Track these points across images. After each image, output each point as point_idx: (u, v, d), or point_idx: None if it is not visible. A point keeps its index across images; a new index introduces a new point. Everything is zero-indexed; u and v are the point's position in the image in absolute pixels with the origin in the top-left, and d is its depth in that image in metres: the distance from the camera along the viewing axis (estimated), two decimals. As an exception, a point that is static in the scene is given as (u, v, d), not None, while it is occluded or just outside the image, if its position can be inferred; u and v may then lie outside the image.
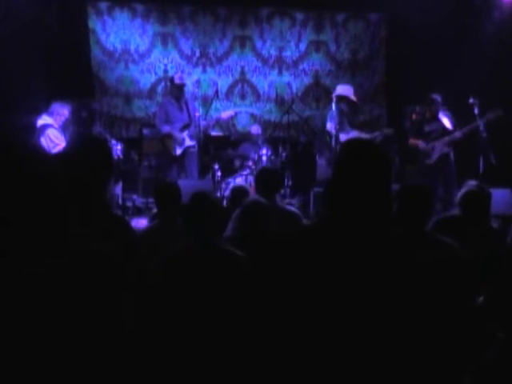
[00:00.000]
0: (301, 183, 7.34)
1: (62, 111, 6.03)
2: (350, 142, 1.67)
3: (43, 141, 5.71)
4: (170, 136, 6.52)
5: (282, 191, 6.89)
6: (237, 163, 7.01)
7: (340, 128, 6.35)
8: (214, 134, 7.91)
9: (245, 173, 6.64)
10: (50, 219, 1.25)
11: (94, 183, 1.99)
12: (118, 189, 6.87)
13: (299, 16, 8.54)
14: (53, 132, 5.84)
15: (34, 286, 1.19)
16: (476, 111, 5.96)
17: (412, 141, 6.44)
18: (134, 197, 7.36)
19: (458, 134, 6.18)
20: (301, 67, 8.63)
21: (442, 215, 3.89)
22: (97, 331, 1.25)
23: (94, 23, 8.09)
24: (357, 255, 1.46)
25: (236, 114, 8.20)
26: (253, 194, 4.22)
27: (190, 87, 7.57)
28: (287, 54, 8.58)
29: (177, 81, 6.58)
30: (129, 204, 7.14)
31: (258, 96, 8.61)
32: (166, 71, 8.30)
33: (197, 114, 6.61)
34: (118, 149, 6.45)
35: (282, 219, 3.66)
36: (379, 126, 8.23)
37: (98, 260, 1.29)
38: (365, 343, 1.41)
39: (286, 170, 7.05)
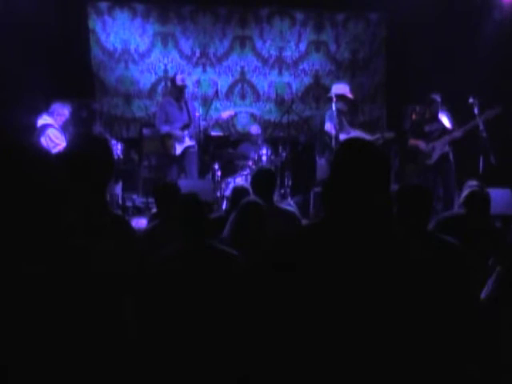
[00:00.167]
0: (301, 183, 7.34)
1: (63, 111, 6.04)
2: (347, 142, 1.67)
3: (43, 141, 5.72)
4: (169, 135, 6.52)
5: (282, 191, 6.90)
6: (237, 163, 7.01)
7: (339, 128, 6.34)
8: (213, 133, 7.91)
9: (245, 173, 6.64)
10: (50, 219, 1.25)
11: (95, 183, 1.99)
12: (118, 189, 6.88)
13: (299, 16, 8.54)
14: (53, 132, 5.85)
15: (33, 286, 1.19)
16: (476, 111, 5.96)
17: (412, 141, 6.44)
18: (134, 197, 7.36)
19: (457, 133, 6.18)
20: (301, 67, 8.63)
21: (445, 214, 3.90)
22: (97, 331, 1.25)
23: (94, 23, 8.09)
24: (356, 255, 1.46)
25: (236, 113, 8.20)
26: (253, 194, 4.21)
27: (190, 87, 7.56)
28: (287, 54, 8.58)
29: (178, 82, 6.57)
30: (129, 204, 7.14)
31: (257, 96, 8.61)
32: (166, 71, 8.30)
33: (197, 114, 6.61)
34: (118, 149, 6.46)
35: (279, 219, 3.66)
36: (379, 127, 8.24)
37: (98, 260, 1.30)
38: (365, 344, 1.41)
39: (285, 169, 7.06)
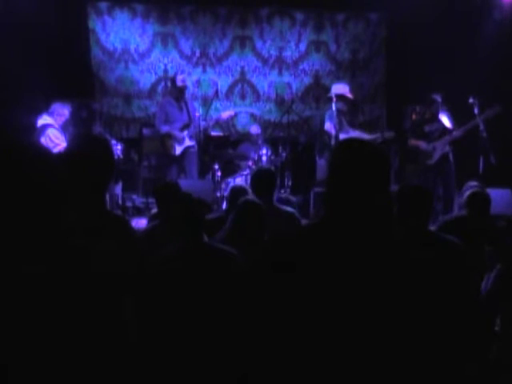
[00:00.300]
0: (301, 183, 7.34)
1: (63, 111, 6.04)
2: (346, 142, 1.67)
3: (43, 141, 5.72)
4: (169, 135, 6.52)
5: (282, 191, 6.89)
6: (237, 163, 7.01)
7: (339, 128, 6.34)
8: (213, 133, 7.91)
9: (245, 173, 6.63)
10: (50, 219, 1.25)
11: (95, 183, 1.99)
12: (118, 189, 6.88)
13: (299, 16, 8.53)
14: (53, 132, 5.85)
15: (33, 286, 1.19)
16: (476, 111, 5.96)
17: (413, 142, 6.44)
18: (134, 197, 7.36)
19: (458, 133, 6.18)
20: (301, 67, 8.63)
21: (446, 217, 3.91)
22: (97, 331, 1.25)
23: (93, 23, 8.09)
24: (356, 255, 1.46)
25: (236, 113, 8.19)
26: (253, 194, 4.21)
27: (190, 87, 7.56)
28: (287, 53, 8.57)
29: (179, 83, 6.57)
30: (129, 204, 7.14)
31: (257, 96, 8.61)
32: (166, 71, 8.30)
33: (197, 114, 6.61)
34: (118, 149, 6.45)
35: (279, 220, 3.65)
36: (379, 127, 8.23)
37: (98, 260, 1.29)
38: (364, 343, 1.41)
39: (285, 170, 7.05)
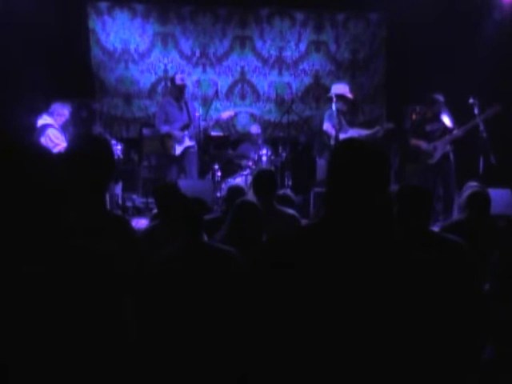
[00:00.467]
0: (301, 183, 7.34)
1: (63, 111, 6.04)
2: (345, 142, 1.67)
3: (43, 141, 5.72)
4: (169, 135, 6.52)
5: (282, 191, 6.88)
6: (237, 163, 7.01)
7: (339, 128, 6.34)
8: (213, 133, 7.91)
9: (245, 173, 6.63)
10: (50, 219, 1.25)
11: (95, 183, 1.99)
12: (118, 189, 6.88)
13: (299, 16, 8.54)
14: (53, 132, 5.85)
15: (33, 286, 1.19)
16: (476, 111, 5.96)
17: (414, 141, 6.44)
18: (134, 197, 7.36)
19: (459, 132, 6.18)
20: (301, 67, 8.63)
21: (446, 223, 3.91)
22: (97, 331, 1.25)
23: (93, 23, 8.09)
24: (355, 255, 1.46)
25: (236, 114, 8.20)
26: (253, 194, 4.21)
27: (190, 87, 7.57)
28: (287, 54, 8.58)
29: (178, 82, 6.57)
30: (129, 204, 7.14)
31: (257, 96, 8.62)
32: (166, 71, 8.31)
33: (197, 114, 6.61)
34: (118, 149, 6.46)
35: (280, 221, 3.65)
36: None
37: (98, 260, 1.29)
38: (364, 344, 1.41)
39: (285, 170, 7.05)
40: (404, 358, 1.42)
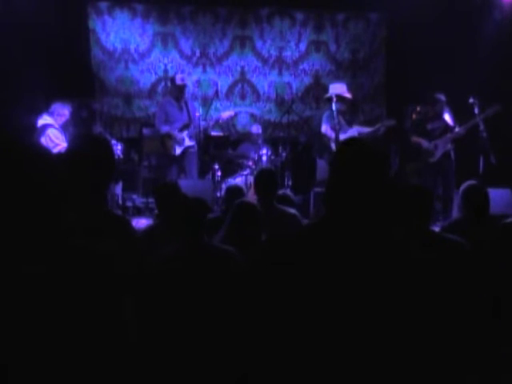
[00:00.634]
0: (301, 183, 7.34)
1: (63, 111, 6.04)
2: (346, 142, 1.67)
3: (43, 140, 5.72)
4: (169, 136, 6.52)
5: (282, 191, 6.88)
6: (237, 163, 7.01)
7: (339, 128, 6.32)
8: (213, 133, 7.91)
9: (245, 173, 6.63)
10: (50, 219, 1.25)
11: (96, 183, 1.99)
12: (118, 189, 6.88)
13: (299, 16, 8.54)
14: (53, 132, 5.85)
15: (33, 286, 1.19)
16: (476, 111, 5.97)
17: (415, 138, 6.44)
18: (134, 197, 7.36)
19: (460, 130, 6.18)
20: (301, 67, 8.63)
21: (446, 223, 3.91)
22: (97, 331, 1.25)
23: (94, 23, 8.09)
24: (356, 254, 1.46)
25: (236, 114, 8.20)
26: (253, 194, 4.21)
27: (190, 87, 7.57)
28: (287, 53, 8.58)
29: (178, 82, 6.57)
30: (129, 204, 7.14)
31: (257, 96, 8.61)
32: (166, 71, 8.31)
33: (197, 114, 6.61)
34: (118, 149, 6.46)
35: (281, 221, 3.65)
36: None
37: (98, 260, 1.29)
38: (364, 345, 1.41)
39: (285, 169, 7.05)
40: (404, 358, 1.42)
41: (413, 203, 2.70)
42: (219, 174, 6.83)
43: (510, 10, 7.47)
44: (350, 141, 1.68)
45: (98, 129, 7.18)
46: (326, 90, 7.18)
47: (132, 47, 8.22)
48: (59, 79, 6.98)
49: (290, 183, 7.04)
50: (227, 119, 7.78)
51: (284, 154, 7.02)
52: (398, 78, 8.21)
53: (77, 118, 6.70)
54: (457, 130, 6.21)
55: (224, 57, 8.46)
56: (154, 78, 8.33)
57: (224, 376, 2.42)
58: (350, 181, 1.51)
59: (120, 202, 6.91)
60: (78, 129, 6.56)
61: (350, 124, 6.69)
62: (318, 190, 6.58)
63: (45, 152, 1.30)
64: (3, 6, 6.71)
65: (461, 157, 6.44)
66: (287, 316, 1.46)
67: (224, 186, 6.49)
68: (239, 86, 8.57)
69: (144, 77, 8.31)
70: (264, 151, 6.79)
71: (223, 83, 8.46)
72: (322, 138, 6.59)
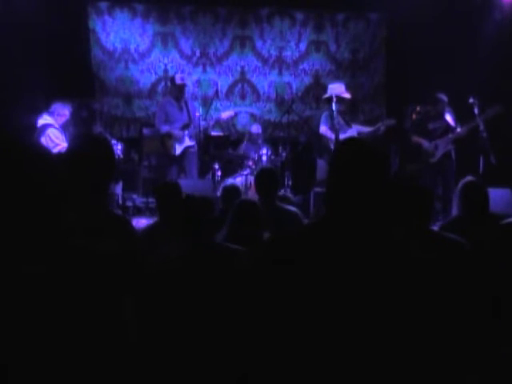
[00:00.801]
0: (301, 183, 7.34)
1: (63, 111, 6.04)
2: (346, 142, 1.68)
3: (43, 140, 5.72)
4: (169, 135, 6.52)
5: (283, 191, 6.89)
6: (237, 163, 7.01)
7: (338, 128, 6.32)
8: (214, 133, 7.91)
9: (245, 173, 6.63)
10: (50, 219, 1.25)
11: (96, 183, 1.99)
12: (118, 189, 6.88)
13: (299, 16, 8.54)
14: (53, 132, 5.85)
15: (33, 286, 1.19)
16: (476, 111, 5.96)
17: (415, 138, 6.44)
18: (134, 197, 7.36)
19: (462, 130, 6.18)
20: (301, 67, 8.63)
21: (446, 220, 3.90)
22: (97, 331, 1.25)
23: (94, 23, 8.09)
24: (356, 254, 1.46)
25: (236, 113, 8.20)
26: (253, 194, 4.21)
27: (190, 87, 7.57)
28: (287, 53, 8.58)
29: (178, 81, 6.57)
30: (129, 204, 7.14)
31: (257, 96, 8.62)
32: (166, 71, 8.31)
33: (197, 114, 6.61)
34: (118, 149, 6.46)
35: (282, 219, 3.66)
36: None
37: (98, 260, 1.29)
38: (364, 345, 1.41)
39: (285, 169, 7.05)
40: (404, 358, 1.42)
41: (413, 203, 2.69)
42: (219, 173, 6.83)
43: (510, 10, 7.47)
44: (349, 140, 1.68)
45: (98, 129, 7.18)
46: (326, 89, 7.18)
47: (132, 47, 8.22)
48: (59, 79, 6.98)
49: (290, 183, 7.04)
50: (227, 119, 7.78)
51: (284, 154, 7.03)
52: (398, 78, 8.21)
53: (77, 117, 6.70)
54: (459, 130, 6.21)
55: (224, 57, 8.47)
56: (154, 77, 8.34)
57: (224, 376, 2.42)
58: (350, 181, 1.51)
59: (120, 201, 6.91)
60: (78, 129, 6.56)
61: (349, 124, 6.69)
62: (318, 189, 6.58)
63: (45, 152, 1.30)
64: (3, 5, 6.70)
65: (461, 157, 6.44)
66: (287, 315, 1.46)
67: (224, 186, 6.50)
68: (239, 85, 8.57)
69: (144, 77, 8.31)
70: (264, 151, 6.80)
71: (223, 83, 8.46)
72: (322, 138, 6.58)
